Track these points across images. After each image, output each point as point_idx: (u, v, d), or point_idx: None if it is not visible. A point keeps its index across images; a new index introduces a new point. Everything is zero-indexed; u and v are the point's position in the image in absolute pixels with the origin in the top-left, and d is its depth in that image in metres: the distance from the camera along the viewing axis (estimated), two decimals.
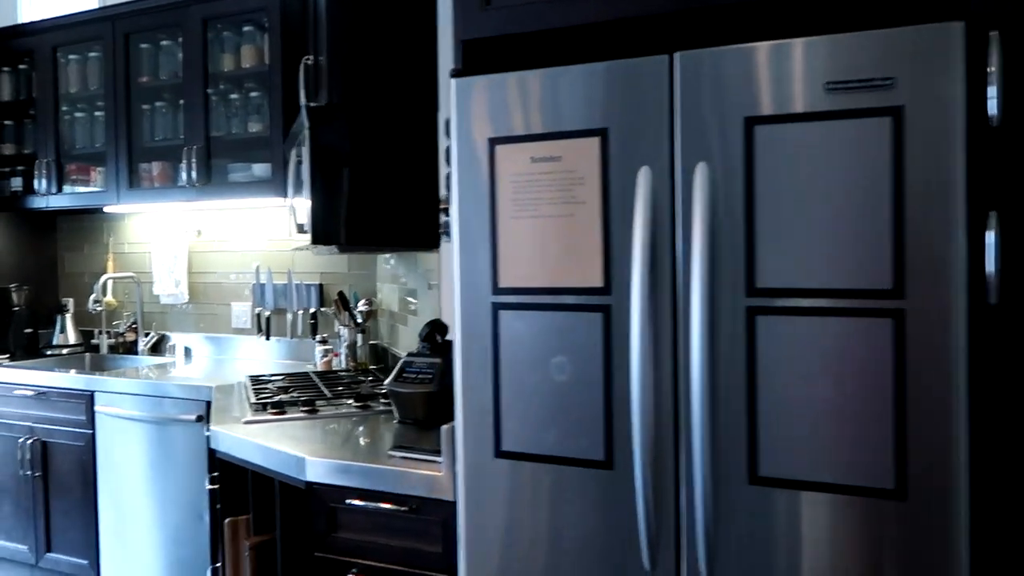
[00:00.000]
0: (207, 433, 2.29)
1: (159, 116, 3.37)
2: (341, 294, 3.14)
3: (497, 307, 1.50)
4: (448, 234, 1.73)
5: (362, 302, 3.08)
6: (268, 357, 3.50)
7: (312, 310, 3.35)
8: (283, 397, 2.39)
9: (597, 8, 1.44)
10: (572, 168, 1.43)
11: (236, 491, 2.15)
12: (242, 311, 3.58)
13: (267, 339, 3.44)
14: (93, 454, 3.09)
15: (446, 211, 1.70)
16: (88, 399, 3.09)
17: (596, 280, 1.42)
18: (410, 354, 2.16)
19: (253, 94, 3.17)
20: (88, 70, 3.51)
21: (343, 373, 2.92)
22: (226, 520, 2.11)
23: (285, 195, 3.00)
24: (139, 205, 3.42)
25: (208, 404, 2.81)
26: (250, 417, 2.18)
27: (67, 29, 3.47)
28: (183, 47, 3.19)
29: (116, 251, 3.91)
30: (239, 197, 3.15)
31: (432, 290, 2.46)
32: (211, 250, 3.67)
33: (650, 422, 1.34)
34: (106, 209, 3.65)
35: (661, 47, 1.37)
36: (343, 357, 3.10)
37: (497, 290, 1.50)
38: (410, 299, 2.71)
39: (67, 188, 3.59)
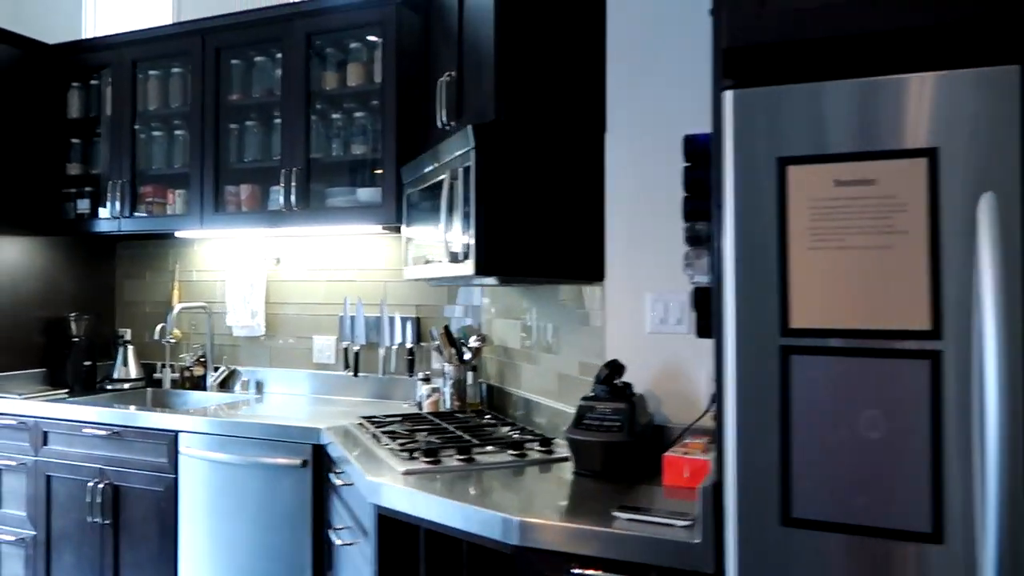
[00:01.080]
0: (366, 480, 2.05)
1: (250, 136, 3.17)
2: (447, 328, 2.92)
3: (787, 351, 1.30)
4: (692, 266, 1.54)
5: (473, 338, 2.87)
6: (353, 395, 3.26)
7: (409, 345, 3.13)
8: (429, 443, 2.16)
9: (907, 15, 1.26)
10: (890, 193, 1.25)
11: (395, 552, 1.91)
12: (325, 345, 3.35)
13: (355, 375, 3.21)
14: (175, 501, 2.83)
15: (692, 239, 1.51)
16: (171, 440, 2.83)
17: (921, 322, 1.23)
18: (586, 399, 1.95)
19: (357, 114, 2.97)
20: (170, 86, 3.30)
21: (460, 415, 2.69)
22: None
23: (396, 221, 2.81)
24: (225, 230, 3.19)
25: (315, 448, 2.58)
26: (407, 467, 1.94)
27: (150, 43, 3.27)
28: (283, 63, 3.00)
29: (182, 279, 3.67)
30: (341, 223, 2.94)
31: (585, 326, 2.26)
32: (291, 279, 3.44)
33: (1007, 490, 1.14)
34: (181, 234, 3.42)
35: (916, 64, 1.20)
36: (447, 396, 2.87)
37: (787, 331, 1.30)
38: (544, 336, 2.50)
39: (140, 211, 3.36)
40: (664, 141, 2.06)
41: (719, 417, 1.39)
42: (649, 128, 2.08)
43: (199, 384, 3.51)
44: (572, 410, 2.26)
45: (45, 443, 3.10)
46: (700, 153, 1.54)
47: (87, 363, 3.54)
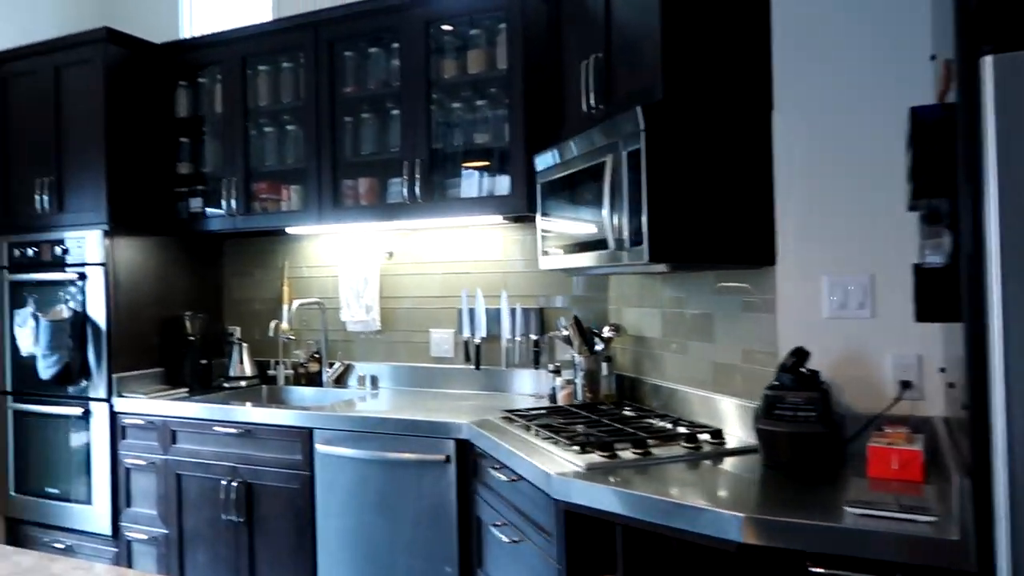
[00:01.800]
0: (552, 476, 2.00)
1: (365, 129, 3.13)
2: (576, 319, 2.85)
3: None
4: (927, 246, 1.44)
5: (606, 328, 2.80)
6: (473, 388, 3.22)
7: (534, 337, 3.07)
8: (595, 436, 2.10)
9: None
10: None
11: (582, 550, 1.86)
12: (443, 338, 3.31)
13: (477, 368, 3.17)
14: (311, 497, 2.82)
15: (930, 216, 1.42)
16: (306, 437, 2.82)
17: None
18: (772, 388, 1.87)
19: (478, 102, 2.92)
20: (281, 82, 3.28)
21: (603, 407, 2.62)
22: None
23: (527, 210, 2.75)
24: (343, 225, 3.16)
25: (458, 443, 2.54)
26: (587, 461, 1.89)
27: (260, 39, 3.25)
28: (401, 53, 2.95)
29: (292, 275, 3.67)
30: (465, 214, 2.89)
31: (748, 313, 2.17)
32: (404, 273, 3.41)
33: None
34: (292, 230, 3.40)
35: None
36: (579, 388, 2.81)
37: None
38: (695, 325, 2.42)
39: (254, 208, 3.35)
40: (842, 118, 1.97)
41: (976, 404, 1.30)
42: (824, 105, 1.99)
43: (314, 380, 3.50)
44: (728, 400, 2.20)
45: (174, 442, 3.12)
46: (932, 126, 1.44)
47: (203, 361, 3.56)
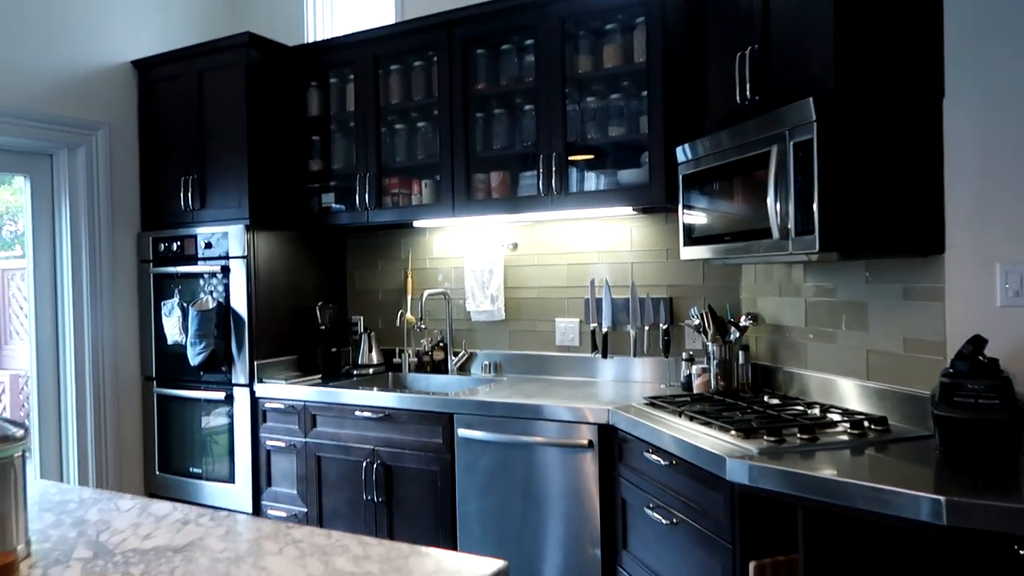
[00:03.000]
0: (728, 459, 2.05)
1: (498, 124, 3.22)
2: (711, 308, 2.89)
3: None
4: None
5: (744, 317, 2.83)
6: (600, 377, 3.29)
7: (664, 326, 3.12)
8: (756, 422, 2.14)
9: None
10: None
11: (758, 526, 1.91)
12: (568, 327, 3.39)
13: (604, 357, 3.23)
14: (451, 480, 2.93)
15: None
16: (447, 420, 2.93)
17: None
18: (949, 375, 1.87)
19: (613, 95, 2.97)
20: (412, 80, 3.40)
21: (744, 395, 2.66)
22: (751, 563, 1.87)
23: (665, 200, 2.79)
24: (476, 217, 3.26)
25: (601, 428, 2.61)
26: (759, 446, 1.93)
27: (391, 40, 3.37)
28: (536, 50, 3.03)
29: (415, 267, 3.79)
30: (601, 206, 2.95)
31: (910, 301, 2.18)
32: (529, 264, 3.49)
33: None
34: (420, 224, 3.52)
35: None
36: (712, 377, 2.84)
37: None
38: (846, 313, 2.43)
39: (386, 203, 3.48)
40: (1016, 104, 1.95)
41: None
42: (997, 92, 1.98)
43: (440, 368, 3.62)
44: (886, 387, 2.21)
45: (314, 425, 3.27)
46: None
47: (333, 349, 3.71)
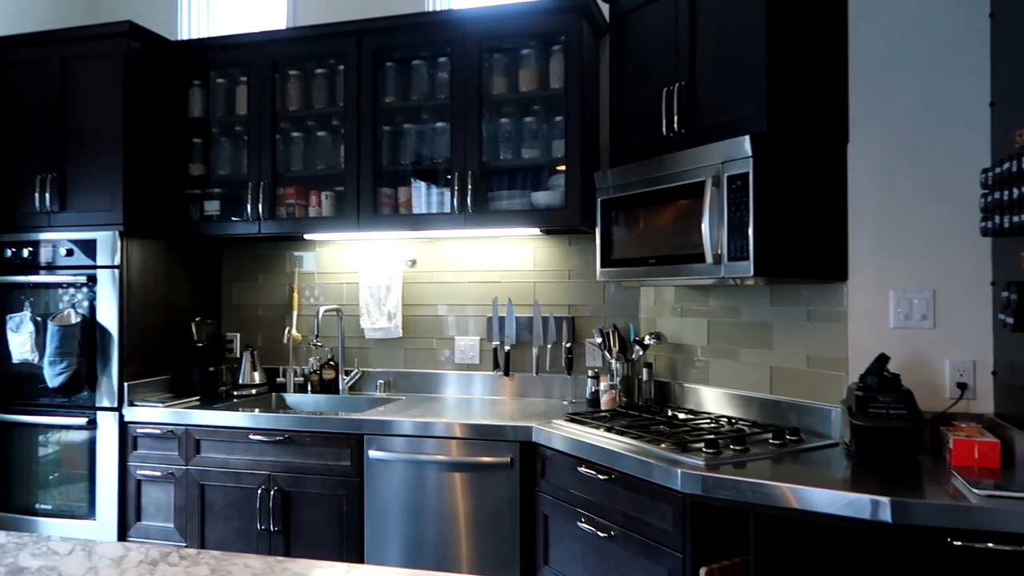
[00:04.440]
0: (680, 472, 2.14)
1: (407, 139, 3.18)
2: (616, 327, 3.03)
3: None
4: None
5: (648, 336, 2.98)
6: (499, 394, 3.32)
7: (568, 344, 3.21)
8: (690, 436, 2.27)
9: None
10: None
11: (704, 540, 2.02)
12: (469, 345, 3.39)
13: (507, 375, 3.27)
14: (360, 504, 2.82)
15: None
16: (356, 441, 2.83)
17: None
18: (861, 389, 2.11)
19: (528, 118, 3.04)
20: (315, 87, 3.27)
21: (652, 409, 2.80)
22: (702, 569, 1.97)
23: (580, 223, 2.89)
24: (382, 233, 3.18)
25: (523, 445, 2.64)
26: (701, 460, 2.05)
27: (296, 44, 3.23)
28: (452, 68, 3.03)
29: (303, 282, 3.62)
30: (514, 226, 2.99)
31: (813, 323, 2.42)
32: (427, 281, 3.46)
33: None
34: (312, 237, 3.38)
35: None
36: (615, 393, 2.97)
37: None
38: (750, 333, 2.65)
39: (280, 213, 3.31)
40: (908, 153, 2.25)
41: None
42: (894, 140, 2.27)
43: (329, 387, 3.48)
44: (789, 400, 2.44)
45: (198, 451, 3.03)
46: None
47: (211, 369, 3.45)
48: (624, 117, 2.75)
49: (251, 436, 2.94)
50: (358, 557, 2.82)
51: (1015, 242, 1.96)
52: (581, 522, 2.39)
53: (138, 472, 3.11)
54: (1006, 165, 1.86)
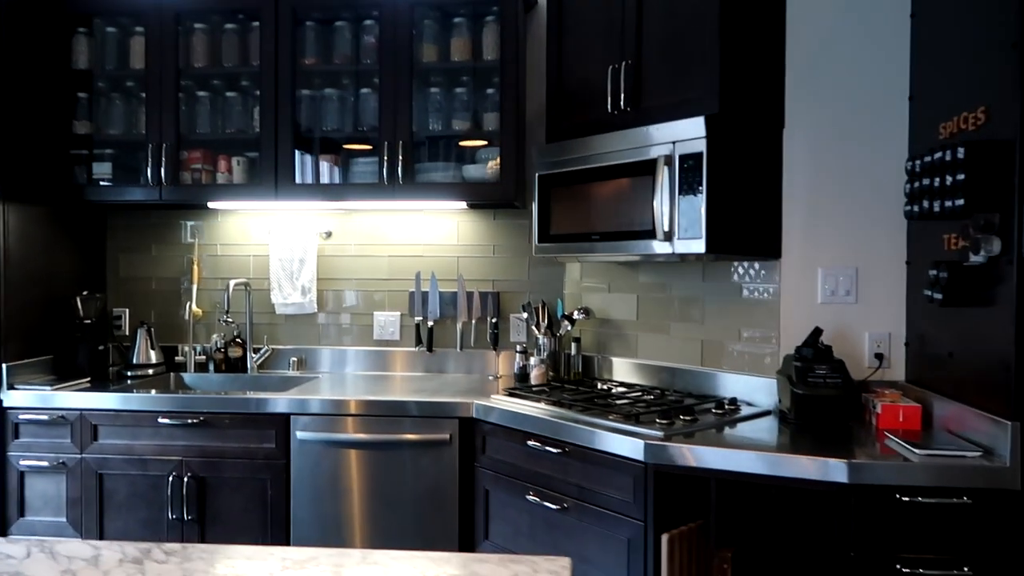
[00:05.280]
0: (643, 443, 2.17)
1: (327, 104, 3.01)
2: (544, 303, 3.05)
3: None
4: (980, 249, 1.89)
5: (576, 311, 3.02)
6: (420, 371, 3.26)
7: (493, 319, 3.20)
8: (643, 408, 2.34)
9: None
10: None
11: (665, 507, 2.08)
12: (388, 321, 3.29)
13: (430, 351, 3.22)
14: (285, 488, 2.69)
15: (985, 226, 1.85)
16: (282, 422, 2.68)
17: None
18: (798, 360, 2.25)
19: (458, 90, 2.97)
20: (224, 44, 3.02)
21: (589, 383, 2.86)
22: (664, 535, 2.04)
23: (514, 197, 2.88)
24: (302, 203, 3.01)
25: (462, 421, 2.62)
26: (658, 431, 2.12)
27: None
28: (381, 32, 2.90)
29: (205, 253, 3.37)
30: (447, 199, 2.92)
31: (741, 298, 2.55)
32: (344, 255, 3.32)
33: None
34: (215, 205, 3.15)
35: None
36: (545, 368, 3.00)
37: None
38: (679, 308, 2.75)
39: (184, 179, 3.05)
40: (836, 140, 2.41)
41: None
42: (824, 127, 2.41)
43: (235, 366, 3.27)
44: (723, 374, 2.57)
45: (95, 438, 2.76)
46: (985, 153, 1.88)
47: (100, 348, 3.14)
48: (563, 93, 2.75)
49: (160, 420, 2.72)
50: (284, 542, 2.69)
51: (934, 225, 2.15)
52: (529, 495, 2.40)
53: (21, 463, 2.79)
54: (938, 155, 2.03)
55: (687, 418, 2.25)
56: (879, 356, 2.41)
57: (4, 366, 2.80)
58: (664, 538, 2.04)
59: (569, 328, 3.03)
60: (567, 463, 2.30)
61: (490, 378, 3.15)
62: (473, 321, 3.22)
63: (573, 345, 3.03)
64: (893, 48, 2.38)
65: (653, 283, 2.85)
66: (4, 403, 2.79)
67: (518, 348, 3.07)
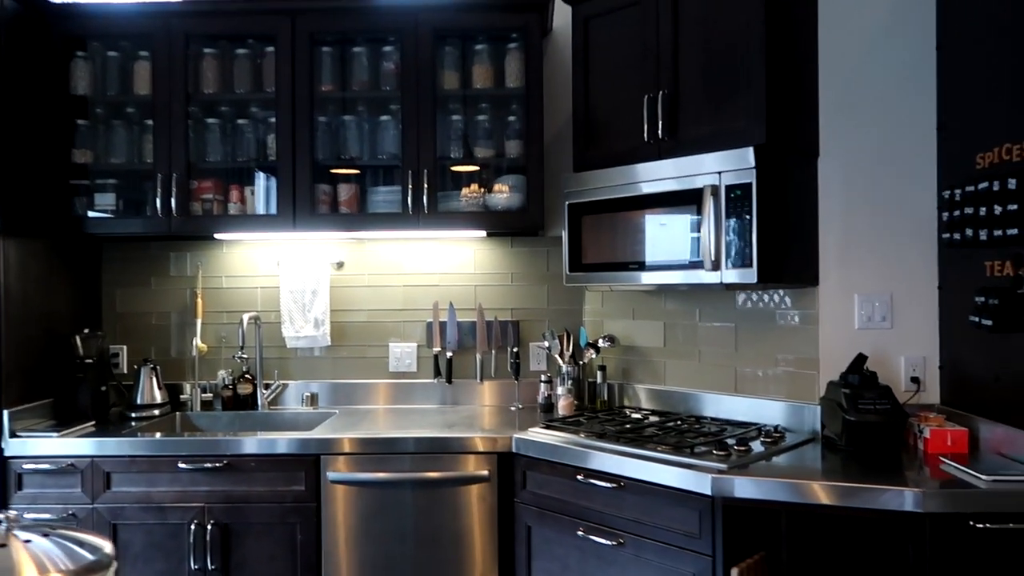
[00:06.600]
0: (710, 477, 2.15)
1: (346, 131, 2.94)
2: (567, 331, 3.02)
3: None
4: None
5: (602, 339, 3.00)
6: (438, 403, 3.19)
7: (514, 349, 3.15)
8: (690, 439, 2.32)
9: None
10: None
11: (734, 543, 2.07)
12: (405, 352, 3.21)
13: (449, 382, 3.15)
14: (316, 532, 2.58)
15: None
16: (312, 463, 2.58)
17: None
18: (846, 387, 2.27)
19: (480, 117, 2.93)
20: (236, 69, 2.92)
21: (615, 412, 2.83)
22: (733, 569, 2.02)
23: (541, 224, 2.85)
24: (318, 233, 2.91)
25: (500, 456, 2.56)
26: (722, 463, 2.11)
27: (216, 18, 2.85)
28: (402, 59, 2.84)
29: (208, 286, 3.23)
30: (473, 228, 2.87)
31: (780, 324, 2.57)
32: (357, 285, 3.23)
33: None
34: (222, 236, 3.03)
35: None
36: (572, 398, 2.97)
37: None
38: (710, 335, 2.76)
39: (194, 209, 2.92)
40: (869, 167, 2.46)
41: None
42: (856, 155, 2.46)
43: (245, 403, 3.14)
44: (763, 401, 2.58)
45: (108, 487, 2.61)
46: None
47: (102, 388, 2.98)
48: (590, 122, 2.74)
49: (180, 464, 2.58)
50: None
51: (972, 251, 2.20)
52: (579, 531, 2.36)
53: (26, 516, 2.61)
54: (982, 184, 2.09)
55: (741, 448, 2.25)
56: (915, 380, 2.45)
57: (6, 412, 2.63)
58: (734, 572, 2.03)
59: (594, 356, 3.01)
60: (622, 497, 2.27)
61: (512, 409, 3.10)
62: (493, 351, 3.17)
63: (599, 373, 3.01)
64: (921, 78, 2.44)
65: (680, 310, 2.86)
66: (6, 452, 2.62)
67: (542, 377, 3.03)
